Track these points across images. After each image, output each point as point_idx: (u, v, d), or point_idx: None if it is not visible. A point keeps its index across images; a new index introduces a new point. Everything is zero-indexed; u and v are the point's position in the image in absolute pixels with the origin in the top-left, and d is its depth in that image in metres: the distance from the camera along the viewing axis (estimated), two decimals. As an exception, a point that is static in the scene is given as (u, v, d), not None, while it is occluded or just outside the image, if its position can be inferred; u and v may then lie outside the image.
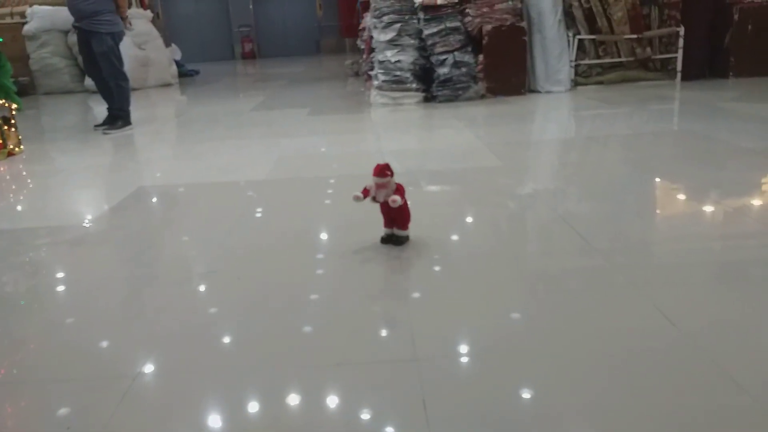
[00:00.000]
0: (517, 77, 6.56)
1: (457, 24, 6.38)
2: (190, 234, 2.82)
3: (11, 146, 4.75)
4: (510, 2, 6.48)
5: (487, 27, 6.32)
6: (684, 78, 6.78)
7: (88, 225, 3.04)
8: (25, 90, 9.26)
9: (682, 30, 6.68)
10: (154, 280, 2.32)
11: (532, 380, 1.50)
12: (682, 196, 3.04)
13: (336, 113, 6.46)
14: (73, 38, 8.62)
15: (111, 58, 5.52)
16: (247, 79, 12.21)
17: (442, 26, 6.30)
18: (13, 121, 4.80)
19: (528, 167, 3.88)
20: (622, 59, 6.89)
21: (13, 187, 3.95)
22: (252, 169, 3.98)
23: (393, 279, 2.26)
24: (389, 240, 2.42)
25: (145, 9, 11.16)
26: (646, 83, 6.85)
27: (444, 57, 6.30)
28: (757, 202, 2.85)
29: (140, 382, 1.59)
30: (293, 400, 1.48)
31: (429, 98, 6.48)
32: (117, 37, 5.56)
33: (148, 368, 1.65)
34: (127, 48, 7.57)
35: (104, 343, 1.82)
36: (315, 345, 1.74)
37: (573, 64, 6.79)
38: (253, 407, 1.47)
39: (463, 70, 6.33)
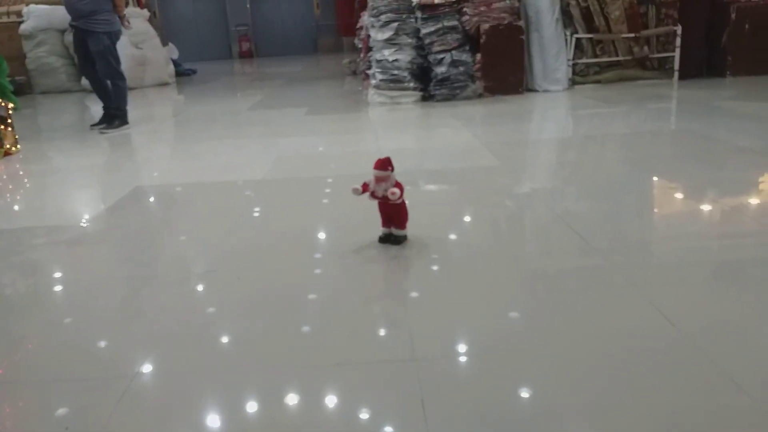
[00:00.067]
0: (515, 76, 6.56)
1: (455, 23, 6.38)
2: (188, 234, 2.82)
3: (8, 146, 4.74)
4: (507, 1, 6.48)
5: (485, 26, 6.32)
6: (681, 77, 6.79)
7: (85, 225, 3.03)
8: (22, 89, 9.23)
9: (679, 29, 6.69)
10: (152, 280, 2.32)
11: (531, 380, 1.50)
12: (680, 195, 3.04)
13: (334, 112, 6.46)
14: (69, 37, 8.57)
15: (108, 58, 5.50)
16: (245, 79, 12.19)
17: (439, 25, 6.30)
18: (9, 121, 4.79)
19: (526, 166, 3.88)
20: (620, 58, 6.90)
21: (11, 186, 3.94)
22: (250, 168, 3.98)
23: (391, 279, 2.25)
24: (387, 239, 2.42)
25: (141, 8, 11.14)
26: (644, 82, 6.85)
27: (441, 56, 6.30)
28: (755, 201, 2.86)
29: (139, 381, 1.59)
30: (292, 399, 1.48)
31: (426, 97, 6.48)
32: (114, 36, 5.55)
33: (147, 368, 1.65)
34: (124, 47, 7.55)
35: (103, 343, 1.82)
36: (314, 345, 1.74)
37: (570, 63, 6.79)
38: (251, 407, 1.47)
39: (461, 69, 6.33)
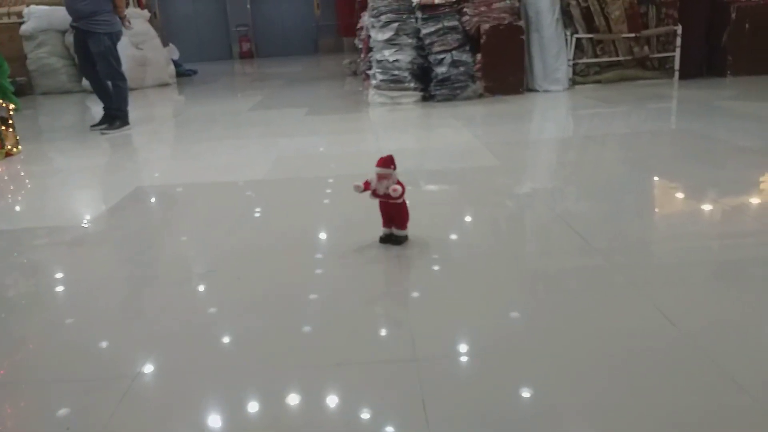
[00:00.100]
0: (515, 76, 6.56)
1: (455, 23, 6.38)
2: (188, 234, 2.82)
3: (9, 147, 4.74)
4: (508, 1, 6.48)
5: (485, 26, 6.32)
6: (681, 77, 6.79)
7: (86, 225, 3.03)
8: (23, 90, 9.24)
9: (679, 29, 6.69)
10: (153, 280, 2.32)
11: (532, 380, 1.50)
12: (680, 195, 3.04)
13: (334, 113, 6.46)
14: (70, 38, 8.58)
15: (108, 58, 5.50)
16: (245, 79, 12.19)
17: (439, 25, 6.30)
18: (10, 122, 4.79)
19: (526, 167, 3.88)
20: (620, 58, 6.90)
21: (12, 187, 3.94)
22: (250, 169, 3.98)
23: (392, 279, 2.26)
24: (388, 239, 2.42)
25: (142, 8, 11.14)
26: (644, 82, 6.85)
27: (442, 56, 6.30)
28: (755, 200, 2.86)
29: (140, 382, 1.59)
30: (293, 399, 1.48)
31: (427, 97, 6.48)
32: (114, 37, 5.55)
33: (148, 368, 1.65)
34: (124, 48, 7.56)
35: (104, 344, 1.82)
36: (314, 345, 1.74)
37: (571, 63, 6.79)
38: (252, 407, 1.47)
39: (461, 69, 6.33)
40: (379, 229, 2.44)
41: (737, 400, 1.39)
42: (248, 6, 19.00)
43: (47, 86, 9.89)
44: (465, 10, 6.49)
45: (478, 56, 6.42)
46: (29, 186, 4.02)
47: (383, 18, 6.44)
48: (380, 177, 2.32)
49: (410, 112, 6.04)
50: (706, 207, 2.81)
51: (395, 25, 6.38)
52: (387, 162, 2.31)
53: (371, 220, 2.47)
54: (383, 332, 1.80)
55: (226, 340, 1.80)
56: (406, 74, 6.41)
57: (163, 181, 3.91)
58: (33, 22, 9.72)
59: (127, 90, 5.88)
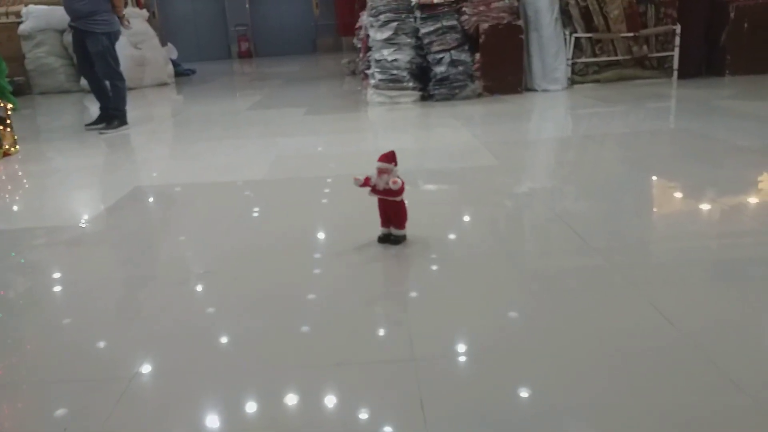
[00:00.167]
0: (514, 76, 6.56)
1: (454, 22, 6.38)
2: (187, 234, 2.81)
3: (7, 146, 4.73)
4: (506, 0, 6.48)
5: (484, 25, 6.32)
6: (680, 76, 6.78)
7: (84, 225, 3.03)
8: (21, 90, 9.22)
9: (678, 28, 6.69)
10: (151, 281, 2.32)
11: (531, 380, 1.50)
12: (679, 195, 3.04)
13: (333, 112, 6.46)
14: (68, 38, 8.56)
15: (107, 58, 5.50)
16: (244, 79, 12.18)
17: (438, 25, 6.30)
18: (8, 121, 4.78)
19: (525, 166, 3.88)
20: (619, 57, 6.89)
21: (9, 187, 3.94)
22: (249, 168, 3.98)
23: (391, 279, 2.25)
24: (386, 239, 2.42)
25: (141, 8, 11.13)
26: (643, 81, 6.85)
27: (441, 56, 6.30)
28: (754, 199, 2.86)
29: (137, 382, 1.59)
30: (291, 400, 1.48)
31: (426, 97, 6.48)
32: (113, 36, 5.55)
33: (146, 369, 1.65)
34: (123, 47, 7.53)
35: (101, 344, 1.82)
36: (313, 345, 1.74)
37: (570, 62, 6.79)
38: (250, 407, 1.47)
39: (460, 68, 6.33)
40: (378, 229, 2.43)
41: (736, 399, 1.39)
42: (247, 5, 18.98)
43: (45, 86, 9.88)
44: (464, 9, 6.48)
45: (477, 56, 6.42)
46: (27, 186, 4.01)
47: (382, 17, 6.43)
48: (380, 171, 2.32)
49: (409, 112, 6.04)
50: (705, 206, 2.81)
51: (394, 24, 6.38)
52: (389, 157, 2.32)
53: (370, 220, 2.47)
54: (382, 332, 1.80)
55: (224, 340, 1.80)
56: (404, 74, 6.41)
57: (162, 181, 3.90)
58: (31, 21, 9.71)
59: (126, 90, 5.88)
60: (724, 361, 1.52)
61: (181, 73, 11.95)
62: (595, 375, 1.51)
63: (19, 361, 1.77)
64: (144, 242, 2.77)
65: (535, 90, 6.73)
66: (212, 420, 1.43)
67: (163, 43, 11.35)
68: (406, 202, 2.39)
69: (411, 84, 6.43)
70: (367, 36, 7.12)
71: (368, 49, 7.12)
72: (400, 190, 2.32)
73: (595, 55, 6.91)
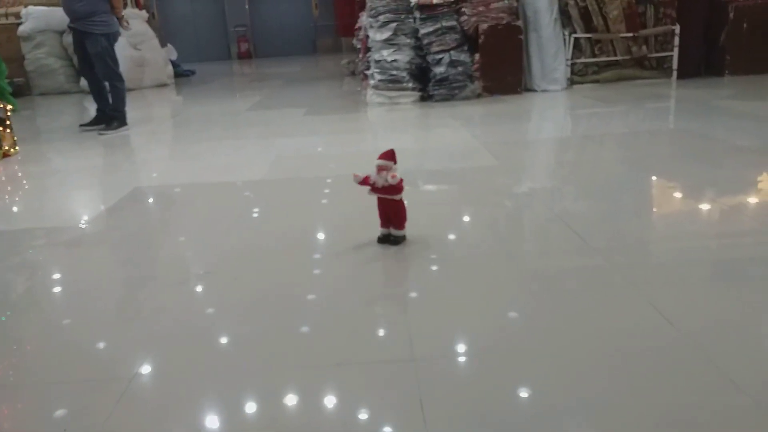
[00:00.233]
0: (514, 76, 6.56)
1: (453, 23, 6.38)
2: (187, 234, 2.82)
3: (7, 147, 4.73)
4: (506, 1, 6.48)
5: (483, 26, 6.32)
6: (680, 76, 6.79)
7: (84, 226, 3.03)
8: (21, 91, 9.21)
9: (677, 28, 6.69)
10: (151, 281, 2.32)
11: (531, 380, 1.50)
12: (678, 195, 3.04)
13: (333, 113, 6.46)
14: (68, 39, 8.57)
15: (106, 59, 5.50)
16: (244, 79, 12.18)
17: (438, 25, 6.30)
18: (8, 122, 4.79)
19: (525, 166, 3.88)
20: (618, 58, 6.90)
21: (9, 188, 3.94)
22: (249, 169, 3.98)
23: (391, 279, 2.26)
24: (386, 240, 2.42)
25: (140, 9, 11.13)
26: (642, 81, 6.85)
27: (440, 56, 6.30)
28: (753, 199, 2.86)
29: (137, 383, 1.59)
30: (291, 400, 1.48)
31: (425, 97, 6.48)
32: (112, 37, 5.55)
33: (145, 369, 1.65)
34: (122, 48, 7.53)
35: (101, 345, 1.82)
36: (313, 345, 1.74)
37: (569, 62, 6.79)
38: (250, 408, 1.47)
39: (460, 69, 6.33)
40: (377, 230, 2.43)
41: (735, 399, 1.39)
42: (246, 6, 18.98)
43: (45, 87, 9.88)
44: (463, 9, 6.49)
45: (477, 56, 6.42)
46: (27, 187, 4.01)
47: (381, 18, 6.43)
48: (380, 168, 2.32)
49: (408, 112, 6.04)
50: (705, 206, 2.81)
51: (393, 25, 6.38)
52: (389, 155, 2.34)
53: (369, 221, 2.47)
54: (381, 332, 1.80)
55: (224, 340, 1.80)
56: (404, 74, 6.41)
57: (162, 181, 3.90)
58: (31, 22, 9.70)
59: (125, 90, 5.88)
60: (724, 361, 1.52)
61: (181, 74, 11.95)
62: (595, 375, 1.51)
63: (19, 362, 1.77)
64: (144, 243, 2.77)
65: (534, 90, 6.73)
66: (212, 420, 1.43)
67: (163, 44, 11.35)
68: (405, 202, 2.39)
69: (410, 84, 6.43)
70: (367, 37, 7.12)
71: (368, 49, 7.12)
72: (400, 187, 2.33)
73: (594, 56, 6.91)
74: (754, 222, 2.57)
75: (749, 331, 1.68)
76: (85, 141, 5.40)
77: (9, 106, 4.96)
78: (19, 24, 9.80)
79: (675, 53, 6.79)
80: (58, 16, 8.28)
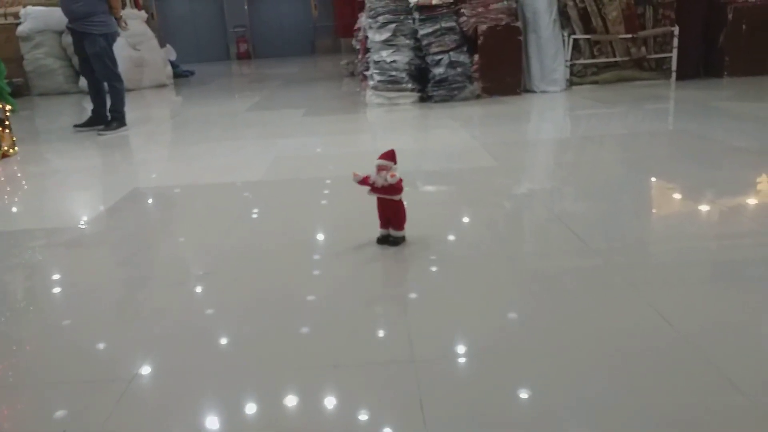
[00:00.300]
0: (513, 77, 6.56)
1: (453, 24, 6.38)
2: (186, 235, 2.81)
3: (6, 148, 4.73)
4: (505, 2, 6.49)
5: (483, 27, 6.33)
6: (679, 77, 6.80)
7: (83, 226, 3.03)
8: (20, 91, 9.22)
9: (676, 29, 6.70)
10: (150, 282, 2.32)
11: (530, 381, 1.50)
12: (677, 196, 3.04)
13: (332, 114, 6.46)
14: (67, 39, 8.57)
15: (104, 60, 5.50)
16: (243, 80, 12.19)
17: (437, 26, 6.30)
18: (7, 123, 4.78)
19: (524, 167, 3.88)
20: (617, 59, 6.90)
21: (8, 188, 3.94)
22: (248, 170, 3.98)
23: (390, 280, 2.26)
24: (385, 240, 2.42)
25: (139, 9, 11.13)
26: (641, 83, 6.86)
27: (439, 57, 6.30)
28: (752, 201, 2.86)
29: (137, 384, 1.59)
30: (290, 401, 1.48)
31: (424, 98, 6.48)
32: (110, 38, 5.55)
33: (145, 370, 1.65)
34: (121, 49, 7.54)
35: (101, 345, 1.82)
36: (312, 346, 1.74)
37: (568, 63, 6.80)
38: (250, 409, 1.47)
39: (459, 70, 6.33)
40: (377, 230, 2.44)
41: (735, 400, 1.39)
42: (245, 7, 18.99)
43: (44, 87, 9.87)
44: (462, 10, 6.49)
45: (476, 57, 6.43)
46: (26, 187, 4.01)
47: (381, 19, 6.44)
48: (380, 168, 2.33)
49: (408, 113, 6.04)
50: (704, 207, 2.82)
51: (393, 26, 6.38)
52: (389, 156, 2.34)
53: (369, 221, 2.47)
54: (381, 333, 1.80)
55: (223, 341, 1.80)
56: (403, 75, 6.41)
57: (161, 182, 3.90)
58: (30, 23, 9.70)
59: (124, 91, 5.88)
60: (723, 361, 1.52)
61: (180, 75, 11.95)
62: (595, 375, 1.51)
63: (18, 362, 1.76)
64: (143, 243, 2.77)
65: (533, 91, 6.73)
66: (211, 421, 1.43)
67: (162, 45, 11.35)
68: (405, 203, 2.40)
69: (410, 85, 6.43)
70: (366, 37, 7.13)
71: (367, 50, 7.12)
72: (399, 188, 2.33)
73: (593, 57, 6.92)
74: (753, 223, 2.57)
75: (748, 332, 1.68)
76: (84, 141, 5.40)
77: (8, 107, 4.97)
78: (18, 24, 9.80)
79: (674, 54, 6.80)
80: (57, 16, 8.27)
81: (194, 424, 1.42)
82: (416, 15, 6.40)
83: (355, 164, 2.52)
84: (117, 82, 5.71)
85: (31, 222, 3.21)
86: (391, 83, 6.43)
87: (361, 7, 8.92)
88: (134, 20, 9.81)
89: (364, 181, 2.35)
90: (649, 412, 1.36)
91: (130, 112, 6.11)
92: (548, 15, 6.62)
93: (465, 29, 6.45)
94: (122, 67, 6.10)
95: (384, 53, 6.42)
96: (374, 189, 2.36)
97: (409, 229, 2.43)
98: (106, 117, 5.77)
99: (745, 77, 6.67)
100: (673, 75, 6.84)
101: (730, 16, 6.66)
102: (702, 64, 7.00)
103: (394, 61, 6.38)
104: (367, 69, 6.97)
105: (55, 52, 9.85)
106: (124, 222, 3.08)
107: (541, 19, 6.62)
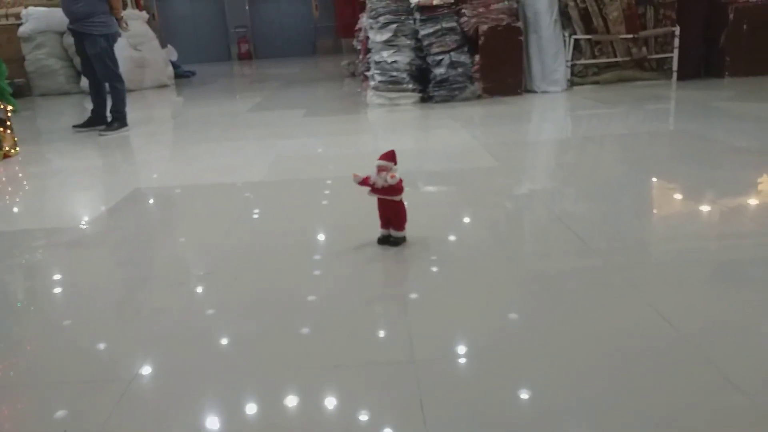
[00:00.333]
0: (514, 77, 6.56)
1: (453, 24, 6.39)
2: (187, 235, 2.82)
3: (7, 148, 4.74)
4: (506, 2, 6.49)
5: (483, 27, 6.33)
6: (680, 77, 6.80)
7: (84, 227, 3.03)
8: (21, 92, 9.22)
9: (677, 30, 6.70)
10: (150, 282, 2.32)
11: (531, 381, 1.50)
12: (678, 196, 3.04)
13: (332, 114, 6.46)
14: (68, 40, 8.59)
15: (105, 60, 5.51)
16: (244, 80, 12.19)
17: (438, 26, 6.30)
18: (8, 123, 4.79)
19: (525, 167, 3.88)
20: (618, 59, 6.90)
21: (10, 189, 3.94)
22: (249, 170, 3.98)
23: (390, 280, 2.26)
24: (386, 241, 2.42)
25: (140, 10, 11.15)
26: (642, 83, 6.86)
27: (440, 57, 6.31)
28: (753, 201, 2.86)
29: (137, 384, 1.59)
30: (291, 402, 1.48)
31: (425, 99, 6.48)
32: (111, 38, 5.55)
33: (146, 370, 1.65)
34: (122, 49, 7.55)
35: (101, 345, 1.82)
36: (313, 346, 1.74)
37: (569, 64, 6.80)
38: (250, 409, 1.47)
39: (460, 70, 6.34)
40: (377, 231, 2.44)
41: (735, 400, 1.39)
42: (247, 7, 19.01)
43: (45, 88, 9.89)
44: (463, 11, 6.49)
45: (477, 57, 6.43)
46: (27, 187, 4.01)
47: (382, 19, 6.44)
48: (380, 169, 2.33)
49: (408, 114, 6.04)
50: (704, 208, 2.82)
51: (394, 26, 6.39)
52: (389, 156, 2.34)
53: (369, 222, 2.47)
54: (381, 334, 1.80)
55: (223, 341, 1.80)
56: (404, 75, 6.41)
57: (162, 182, 3.90)
58: (31, 23, 9.71)
59: (125, 91, 5.88)
60: (723, 361, 1.52)
61: (181, 75, 11.96)
62: (595, 375, 1.51)
63: (18, 362, 1.77)
64: (144, 243, 2.78)
65: (534, 91, 6.73)
66: (212, 421, 1.43)
67: (163, 45, 11.36)
68: (405, 203, 2.40)
69: (410, 86, 6.43)
70: (367, 38, 7.13)
71: (368, 50, 7.13)
72: (400, 188, 2.33)
73: (594, 57, 6.92)
74: (754, 223, 2.57)
75: (748, 332, 1.68)
76: (85, 142, 5.41)
77: (9, 107, 4.97)
78: (19, 25, 9.82)
79: (675, 54, 6.80)
80: (58, 16, 8.27)
81: (194, 424, 1.42)
82: (417, 15, 6.41)
83: (356, 165, 2.52)
84: (118, 83, 5.72)
85: (32, 222, 3.22)
86: (392, 83, 6.43)
87: (362, 8, 8.92)
88: (135, 21, 9.82)
89: (364, 182, 2.35)
90: (649, 412, 1.36)
91: (131, 112, 6.11)
92: (549, 15, 6.62)
93: (466, 29, 6.45)
94: (123, 68, 6.11)
95: (385, 53, 6.42)
96: (374, 190, 2.36)
97: (410, 230, 2.43)
98: (106, 118, 5.78)
99: (746, 77, 6.66)
100: (674, 75, 6.83)
101: (731, 17, 6.65)
102: (703, 64, 6.99)
103: (395, 62, 6.38)
104: (368, 69, 6.97)
105: (57, 53, 9.86)
106: (124, 222, 3.09)
107: (542, 19, 6.62)
